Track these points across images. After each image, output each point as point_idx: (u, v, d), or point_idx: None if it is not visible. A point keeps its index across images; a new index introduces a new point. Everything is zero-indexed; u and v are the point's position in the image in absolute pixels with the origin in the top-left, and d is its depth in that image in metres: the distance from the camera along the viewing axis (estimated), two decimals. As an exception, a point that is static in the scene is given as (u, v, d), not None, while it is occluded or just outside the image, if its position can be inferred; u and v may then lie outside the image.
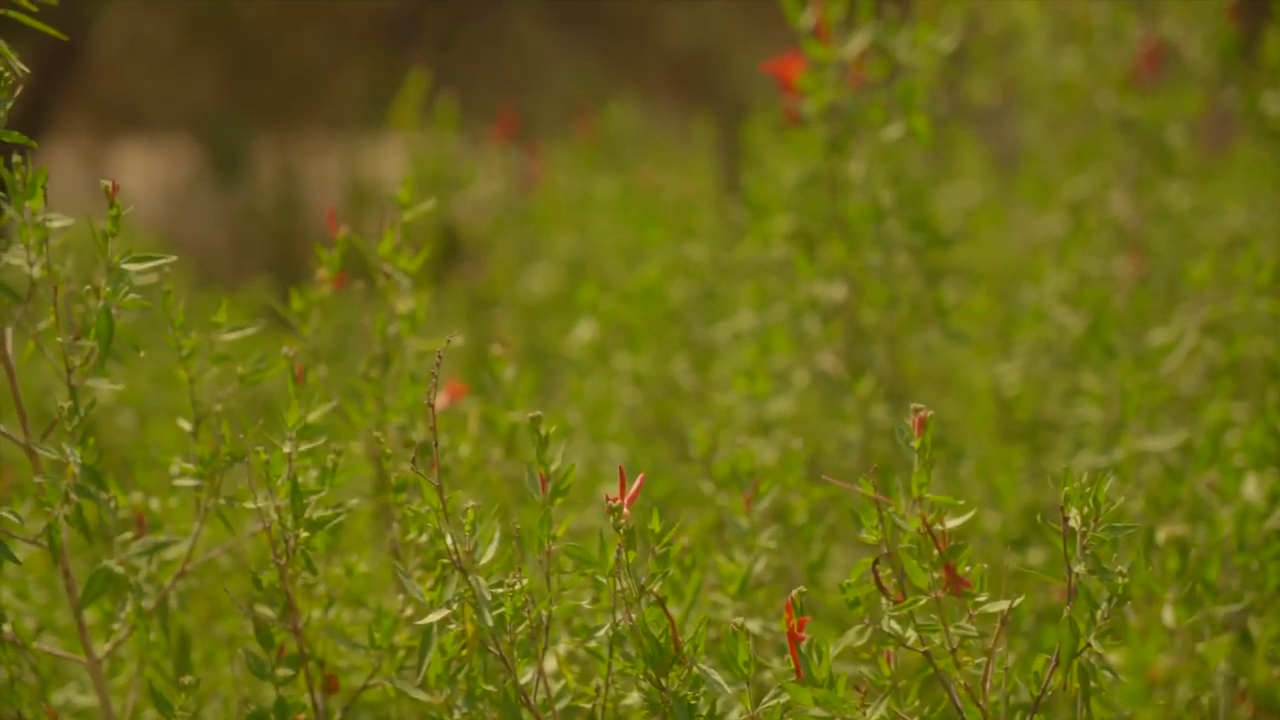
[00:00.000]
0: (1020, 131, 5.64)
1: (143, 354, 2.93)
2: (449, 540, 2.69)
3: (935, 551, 2.59)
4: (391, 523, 3.35)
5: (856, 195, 3.94)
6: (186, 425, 3.11)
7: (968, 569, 2.62)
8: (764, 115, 5.46)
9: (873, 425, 3.91)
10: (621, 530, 2.65)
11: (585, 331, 4.38)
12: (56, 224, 2.98)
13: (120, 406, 4.40)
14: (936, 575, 2.61)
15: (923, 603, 2.62)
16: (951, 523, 2.59)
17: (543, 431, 2.72)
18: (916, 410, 2.62)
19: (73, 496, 2.93)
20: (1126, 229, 4.75)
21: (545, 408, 4.32)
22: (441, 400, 2.71)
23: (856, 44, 3.90)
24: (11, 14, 2.91)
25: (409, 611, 3.00)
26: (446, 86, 6.12)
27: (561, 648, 2.93)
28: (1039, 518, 2.79)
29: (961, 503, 2.65)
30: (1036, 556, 3.77)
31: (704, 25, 12.04)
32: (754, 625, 3.06)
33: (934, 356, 4.19)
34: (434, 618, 2.71)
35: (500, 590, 2.68)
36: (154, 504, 3.32)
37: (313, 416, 2.89)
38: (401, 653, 2.99)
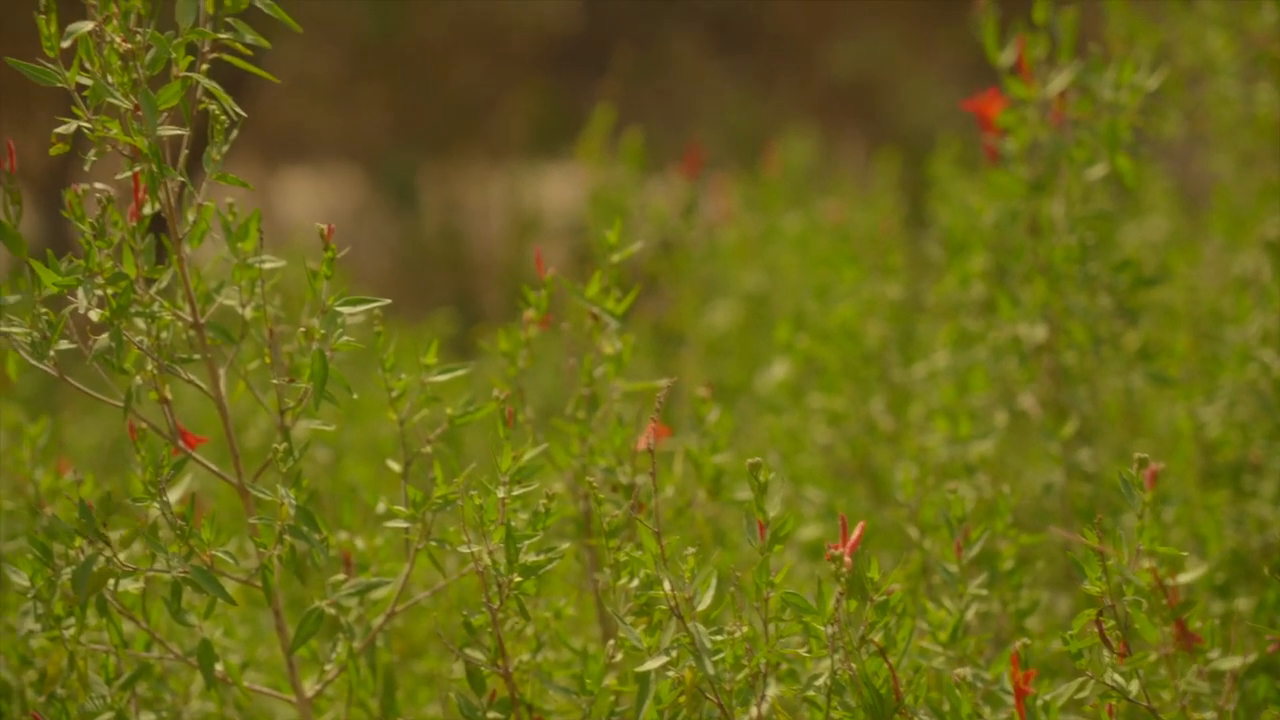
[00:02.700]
0: (1207, 166, 5.55)
1: (355, 395, 2.94)
2: (667, 586, 2.68)
3: (1166, 605, 2.55)
4: (594, 565, 3.34)
5: (1058, 234, 3.88)
6: (396, 466, 3.12)
7: (1199, 624, 2.57)
8: (946, 149, 5.41)
9: (1074, 468, 3.85)
10: (842, 579, 2.62)
11: (780, 370, 4.35)
12: (269, 265, 3.00)
13: (315, 443, 4.41)
14: (1167, 630, 2.56)
15: (1153, 658, 2.57)
16: (1184, 577, 2.54)
17: (761, 478, 2.70)
18: (1143, 461, 2.57)
19: (286, 537, 2.94)
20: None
21: (739, 447, 4.28)
22: (646, 441, 2.70)
23: (1059, 83, 3.85)
24: (227, 58, 2.94)
25: (617, 656, 2.98)
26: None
27: (772, 692, 2.90)
28: (1267, 570, 2.73)
29: (1186, 555, 2.60)
30: (1242, 604, 3.69)
31: (866, 54, 11.99)
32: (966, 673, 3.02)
33: (1133, 398, 4.12)
34: (652, 665, 2.69)
35: (720, 638, 2.65)
36: (359, 543, 3.33)
37: (525, 459, 2.88)
38: (611, 698, 2.97)
